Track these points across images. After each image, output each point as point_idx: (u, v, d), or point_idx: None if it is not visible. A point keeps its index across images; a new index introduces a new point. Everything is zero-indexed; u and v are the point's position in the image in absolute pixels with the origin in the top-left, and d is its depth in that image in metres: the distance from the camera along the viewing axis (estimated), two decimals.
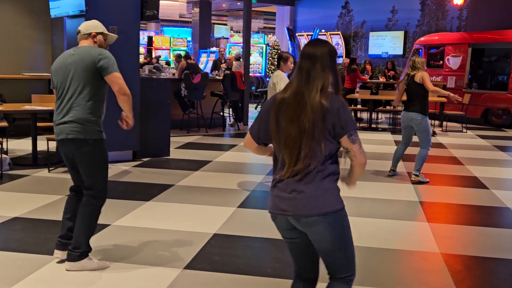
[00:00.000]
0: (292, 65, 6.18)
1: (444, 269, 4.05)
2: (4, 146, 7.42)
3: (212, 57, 19.47)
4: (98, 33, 3.94)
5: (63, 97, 3.80)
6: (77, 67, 3.76)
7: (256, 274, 3.83)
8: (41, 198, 5.59)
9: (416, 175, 6.91)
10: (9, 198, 5.61)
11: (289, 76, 5.92)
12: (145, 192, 5.94)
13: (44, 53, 10.11)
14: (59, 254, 3.88)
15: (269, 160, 7.97)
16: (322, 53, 2.45)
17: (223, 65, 14.43)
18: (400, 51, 17.97)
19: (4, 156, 6.75)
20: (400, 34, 18.12)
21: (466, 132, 12.18)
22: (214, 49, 21.29)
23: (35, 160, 7.21)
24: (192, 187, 6.29)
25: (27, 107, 7.17)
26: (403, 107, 7.11)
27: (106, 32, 4.02)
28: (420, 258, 4.30)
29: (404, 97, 6.97)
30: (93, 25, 3.95)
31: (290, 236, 2.57)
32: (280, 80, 5.96)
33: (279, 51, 21.60)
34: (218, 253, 4.20)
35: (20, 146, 8.42)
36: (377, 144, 9.98)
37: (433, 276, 3.94)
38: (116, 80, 3.81)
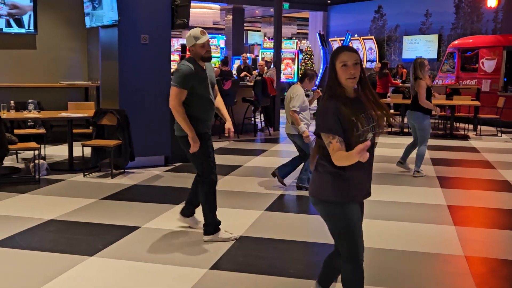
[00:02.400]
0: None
1: (467, 271, 4.06)
2: (42, 152, 7.71)
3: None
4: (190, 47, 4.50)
5: None
6: None
7: (278, 274, 3.92)
8: (75, 201, 5.81)
9: (418, 171, 7.41)
10: (46, 201, 5.85)
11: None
12: (175, 196, 6.10)
13: (80, 62, 10.44)
14: (179, 218, 4.98)
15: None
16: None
17: (255, 72, 14.56)
18: (434, 55, 17.77)
19: (42, 161, 7.02)
20: (434, 38, 17.94)
21: (501, 136, 11.99)
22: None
23: (71, 165, 7.47)
24: (221, 191, 6.41)
25: (64, 114, 7.45)
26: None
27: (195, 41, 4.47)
28: (443, 260, 4.32)
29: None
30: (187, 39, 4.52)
31: (357, 211, 2.88)
32: (297, 97, 6.15)
33: (312, 56, 21.65)
34: (242, 254, 4.31)
35: (57, 152, 8.72)
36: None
37: (454, 278, 3.96)
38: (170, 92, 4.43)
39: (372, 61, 20.56)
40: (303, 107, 6.18)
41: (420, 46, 18.39)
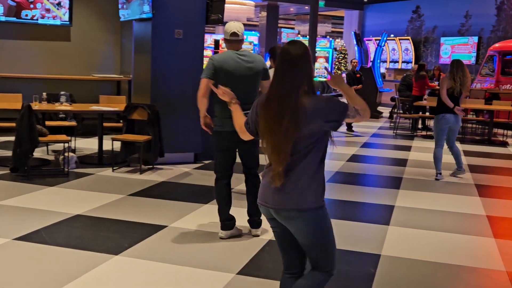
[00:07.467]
0: None
1: (509, 287, 3.83)
2: (72, 145, 7.69)
3: None
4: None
5: None
6: None
7: None
8: (103, 196, 5.73)
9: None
10: (74, 196, 5.79)
11: None
12: (203, 195, 5.97)
13: (113, 55, 10.42)
14: (223, 234, 4.64)
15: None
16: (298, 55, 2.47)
17: None
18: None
19: (71, 154, 6.98)
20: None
21: None
22: None
23: (101, 159, 7.41)
24: None
25: (95, 107, 7.39)
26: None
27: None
28: (483, 275, 4.09)
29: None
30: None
31: (272, 225, 2.67)
32: None
33: (345, 56, 21.35)
34: (271, 260, 4.15)
35: (87, 145, 8.69)
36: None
37: None
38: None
39: (407, 62, 20.16)
40: None
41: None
